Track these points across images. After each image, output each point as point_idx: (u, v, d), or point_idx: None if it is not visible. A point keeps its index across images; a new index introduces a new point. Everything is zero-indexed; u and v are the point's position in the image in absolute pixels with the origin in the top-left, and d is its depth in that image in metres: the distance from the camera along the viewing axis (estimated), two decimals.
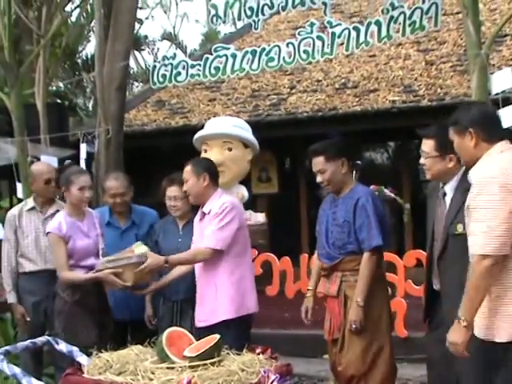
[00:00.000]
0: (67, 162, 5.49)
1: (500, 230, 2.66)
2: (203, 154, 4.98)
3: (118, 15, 6.44)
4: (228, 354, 3.34)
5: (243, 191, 5.26)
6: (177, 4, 21.99)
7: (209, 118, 7.11)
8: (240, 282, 3.96)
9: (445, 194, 3.48)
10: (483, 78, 4.19)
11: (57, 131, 6.72)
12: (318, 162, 3.85)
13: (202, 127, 5.25)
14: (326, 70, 9.08)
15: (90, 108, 14.16)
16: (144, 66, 18.25)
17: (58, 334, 4.19)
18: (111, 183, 4.68)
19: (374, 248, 3.72)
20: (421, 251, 5.21)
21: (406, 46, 9.06)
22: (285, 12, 5.77)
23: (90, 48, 14.25)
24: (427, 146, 3.47)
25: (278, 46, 5.63)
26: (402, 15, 5.09)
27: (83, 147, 6.05)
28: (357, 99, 8.10)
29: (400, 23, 5.12)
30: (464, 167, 3.42)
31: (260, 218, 6.31)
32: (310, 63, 7.63)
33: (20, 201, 5.41)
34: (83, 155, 6.02)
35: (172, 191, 4.41)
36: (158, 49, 19.65)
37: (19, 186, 5.91)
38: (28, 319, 4.60)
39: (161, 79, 5.98)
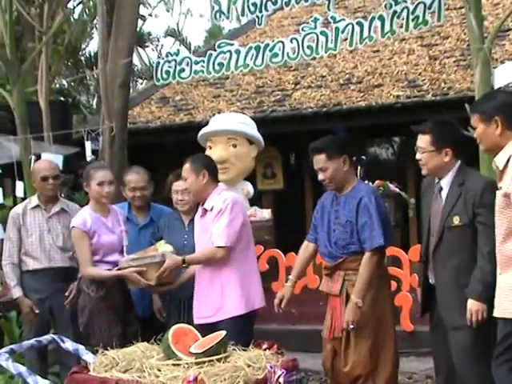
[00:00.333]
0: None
1: None
2: (208, 151, 4.99)
3: (121, 12, 6.43)
4: (234, 350, 3.36)
5: (248, 187, 5.27)
6: (180, 2, 21.98)
7: (213, 115, 7.11)
8: (245, 277, 3.96)
9: (441, 189, 3.51)
10: (486, 73, 4.18)
11: (60, 129, 6.72)
12: (320, 160, 3.80)
13: (206, 124, 5.26)
14: (331, 66, 9.06)
15: (94, 105, 14.17)
16: (148, 63, 18.24)
17: (79, 330, 4.25)
18: (132, 177, 4.71)
19: (376, 248, 3.68)
20: None
21: (409, 40, 9.03)
22: (288, 7, 5.77)
23: (93, 45, 14.27)
24: (423, 141, 3.50)
25: (282, 42, 5.64)
26: (406, 10, 5.09)
27: (88, 145, 6.04)
28: (361, 94, 8.08)
29: (403, 18, 5.12)
30: (459, 162, 3.45)
31: (265, 214, 6.32)
32: (314, 59, 7.62)
33: (23, 199, 5.40)
34: (88, 153, 6.02)
35: (179, 185, 4.41)
36: (162, 45, 19.64)
37: (19, 185, 5.91)
38: (37, 311, 4.57)
39: (164, 76, 5.99)
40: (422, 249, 3.69)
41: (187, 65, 5.91)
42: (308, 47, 5.51)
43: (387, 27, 5.20)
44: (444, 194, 3.49)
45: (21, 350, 3.83)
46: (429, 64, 8.36)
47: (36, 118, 6.52)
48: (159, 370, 3.11)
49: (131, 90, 9.64)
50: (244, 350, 3.35)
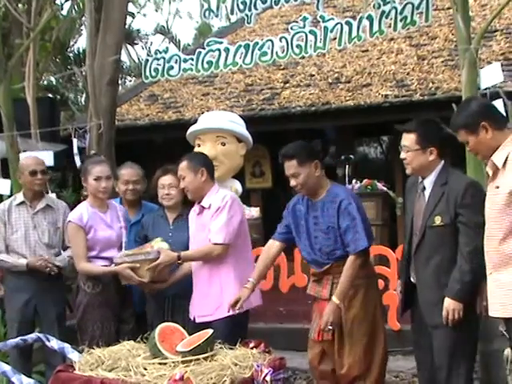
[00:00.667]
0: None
1: None
2: (196, 149, 4.97)
3: (109, 9, 6.40)
4: (221, 348, 3.36)
5: (237, 186, 5.25)
6: (170, 2, 21.92)
7: (202, 113, 7.09)
8: (243, 275, 3.94)
9: (424, 188, 3.52)
10: (473, 73, 4.20)
11: (47, 126, 6.68)
12: (291, 166, 3.74)
13: (195, 122, 5.24)
14: (319, 65, 9.07)
15: (82, 102, 14.08)
16: (137, 60, 18.17)
17: (65, 328, 4.23)
18: (125, 170, 4.74)
19: (360, 251, 3.65)
20: None
21: (398, 40, 9.06)
22: (278, 6, 5.77)
23: (81, 42, 14.16)
24: (408, 140, 3.51)
25: (271, 41, 5.63)
26: (394, 10, 5.11)
27: (75, 142, 6.01)
28: (350, 94, 8.09)
29: (391, 18, 5.13)
30: (442, 162, 3.47)
31: (254, 212, 6.32)
32: (303, 58, 7.64)
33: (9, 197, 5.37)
34: (75, 150, 5.99)
35: (166, 179, 4.40)
36: (151, 43, 19.57)
37: (5, 182, 5.85)
38: (56, 264, 4.52)
39: (153, 73, 5.97)
40: (405, 247, 3.70)
41: (176, 62, 5.89)
42: (297, 46, 5.51)
43: (376, 27, 5.22)
44: (427, 193, 3.50)
45: (5, 348, 3.82)
46: (417, 64, 8.39)
47: (23, 115, 6.47)
48: (145, 369, 3.10)
49: (120, 88, 9.60)
50: (231, 349, 3.35)
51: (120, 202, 4.77)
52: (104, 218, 4.32)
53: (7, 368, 3.37)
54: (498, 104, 4.03)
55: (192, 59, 5.83)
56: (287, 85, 8.81)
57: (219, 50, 5.75)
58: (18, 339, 3.76)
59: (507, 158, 3.04)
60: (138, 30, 18.50)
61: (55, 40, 9.92)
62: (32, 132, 6.31)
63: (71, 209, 4.61)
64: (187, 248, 4.14)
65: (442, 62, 8.25)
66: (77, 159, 5.99)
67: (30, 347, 4.49)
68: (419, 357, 3.69)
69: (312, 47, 5.46)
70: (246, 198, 7.52)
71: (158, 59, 5.94)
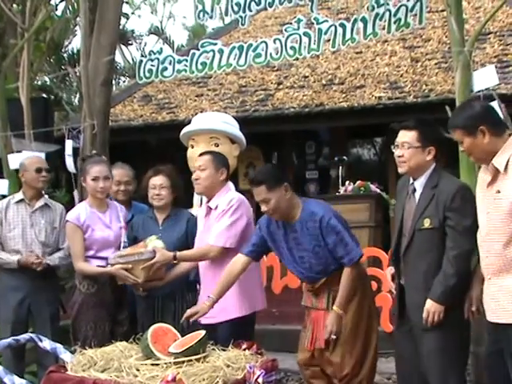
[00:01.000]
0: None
1: None
2: (190, 150, 4.97)
3: (104, 9, 6.40)
4: (213, 349, 3.36)
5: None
6: (164, 4, 21.94)
7: (196, 114, 7.10)
8: (248, 279, 3.92)
9: (414, 190, 3.51)
10: (466, 75, 4.21)
11: (42, 126, 6.67)
12: (261, 192, 3.62)
13: (188, 123, 5.23)
14: (313, 67, 9.09)
15: (76, 103, 14.06)
16: (131, 61, 18.16)
17: (58, 328, 4.24)
18: (116, 171, 4.75)
19: (355, 261, 3.62)
20: None
21: (391, 42, 9.09)
22: (272, 8, 5.77)
23: (75, 42, 14.14)
24: (408, 137, 3.47)
25: (265, 42, 5.64)
26: (388, 12, 5.12)
27: (68, 143, 6.00)
28: (343, 95, 8.12)
29: (385, 20, 5.14)
30: (434, 164, 3.46)
31: None
32: (297, 59, 7.65)
33: (4, 197, 5.37)
34: (68, 151, 5.98)
35: (157, 180, 4.39)
36: (145, 43, 19.57)
37: (3, 182, 5.85)
38: (40, 260, 4.51)
39: (147, 74, 5.97)
40: (393, 249, 3.67)
41: (170, 63, 5.89)
42: (291, 48, 5.52)
43: (370, 29, 5.23)
44: (417, 195, 3.48)
45: None
46: (410, 66, 8.42)
47: (17, 115, 6.47)
48: (138, 370, 3.10)
49: (114, 88, 9.59)
50: (223, 350, 3.36)
51: None
52: (102, 218, 4.33)
53: None
54: (494, 106, 4.05)
55: (186, 60, 5.84)
56: (281, 86, 8.83)
57: (213, 51, 5.75)
58: (10, 339, 3.75)
59: (508, 161, 3.02)
60: (132, 31, 18.50)
61: (49, 40, 9.90)
62: (26, 132, 6.30)
63: (66, 209, 4.64)
64: (176, 248, 4.13)
65: (436, 64, 8.29)
66: (69, 161, 5.97)
67: (23, 347, 4.49)
68: (399, 358, 3.66)
69: (306, 49, 5.47)
70: None
71: (152, 60, 5.94)
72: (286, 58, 5.67)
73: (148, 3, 20.40)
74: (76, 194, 5.93)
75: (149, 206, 4.58)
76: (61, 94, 13.25)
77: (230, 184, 4.22)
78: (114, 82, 10.29)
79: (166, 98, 9.45)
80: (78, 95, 13.75)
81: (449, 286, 3.29)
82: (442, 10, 8.61)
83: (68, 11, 11.10)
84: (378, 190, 7.74)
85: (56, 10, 10.48)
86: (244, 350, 3.38)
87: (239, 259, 3.81)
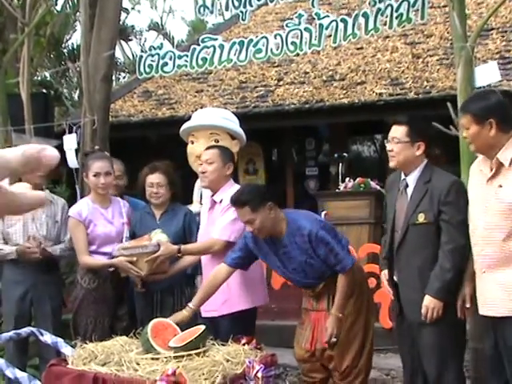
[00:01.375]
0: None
1: None
2: (190, 146, 4.96)
3: (104, 4, 6.38)
4: (213, 344, 3.37)
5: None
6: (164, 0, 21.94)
7: (196, 110, 7.09)
8: (250, 273, 3.93)
9: (407, 186, 3.51)
10: (468, 71, 4.20)
11: (42, 121, 6.66)
12: (245, 213, 3.58)
13: (188, 118, 5.23)
14: (314, 62, 9.07)
15: (76, 98, 14.05)
16: (131, 57, 18.14)
17: (60, 322, 4.32)
18: None
19: (348, 269, 3.61)
20: None
21: (393, 38, 9.07)
22: (273, 3, 5.76)
23: (76, 37, 14.13)
24: (398, 131, 3.50)
25: (266, 38, 5.63)
26: (389, 8, 5.10)
27: (67, 138, 5.99)
28: (344, 91, 8.10)
29: (387, 16, 5.13)
30: (426, 160, 3.47)
31: None
32: (298, 55, 7.64)
33: None
34: (68, 146, 5.96)
35: (155, 178, 4.40)
36: (146, 39, 19.55)
37: None
38: (36, 249, 4.46)
39: (147, 69, 5.96)
40: (386, 245, 3.68)
41: (170, 59, 5.88)
42: (292, 43, 5.51)
43: (371, 25, 5.22)
44: (410, 190, 3.49)
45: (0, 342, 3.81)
46: (412, 62, 8.40)
47: (17, 111, 6.46)
48: (138, 364, 3.11)
49: (114, 84, 9.59)
50: (223, 345, 3.36)
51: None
52: (104, 214, 4.35)
53: (1, 361, 3.38)
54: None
55: (186, 56, 5.83)
56: (281, 82, 8.82)
57: (213, 46, 5.74)
58: (11, 333, 3.77)
59: None
60: (132, 27, 18.49)
61: (50, 35, 9.88)
62: (26, 127, 6.30)
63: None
64: (174, 241, 4.15)
65: (437, 60, 8.27)
66: (70, 156, 5.96)
67: (25, 341, 4.50)
68: (403, 354, 3.70)
69: (307, 44, 5.46)
70: None
71: (152, 55, 5.93)
72: (286, 53, 5.66)
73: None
74: (77, 189, 5.92)
75: (145, 201, 4.58)
76: (61, 90, 13.24)
77: (233, 181, 4.24)
78: (114, 77, 10.28)
79: (166, 93, 9.44)
80: (78, 91, 13.74)
81: (446, 280, 3.29)
82: (444, 6, 8.59)
83: (68, 6, 11.09)
84: (378, 187, 7.72)
85: (56, 4, 10.47)
86: (243, 344, 3.39)
87: (223, 269, 3.75)
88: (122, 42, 18.66)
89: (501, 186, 3.07)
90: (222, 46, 5.72)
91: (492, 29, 8.55)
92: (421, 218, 3.39)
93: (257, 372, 3.10)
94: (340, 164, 7.81)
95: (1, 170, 0.89)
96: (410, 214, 3.44)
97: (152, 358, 3.16)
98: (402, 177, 3.56)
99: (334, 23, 5.35)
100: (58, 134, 6.95)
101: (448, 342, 3.40)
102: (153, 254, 4.02)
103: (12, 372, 3.37)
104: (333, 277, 3.65)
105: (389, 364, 5.32)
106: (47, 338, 3.66)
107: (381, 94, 7.76)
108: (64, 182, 7.73)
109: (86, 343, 3.39)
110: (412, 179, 3.49)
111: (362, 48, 9.04)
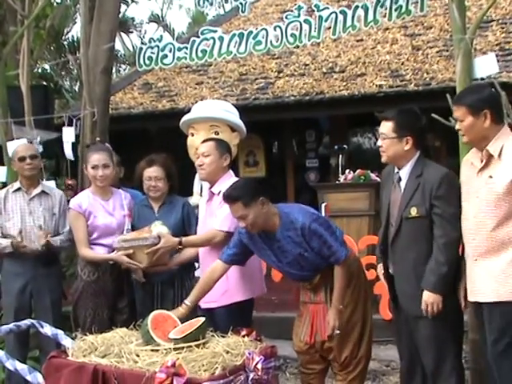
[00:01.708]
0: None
1: None
2: (190, 138, 4.97)
3: None
4: (213, 336, 3.38)
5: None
6: None
7: (196, 102, 7.09)
8: (248, 264, 3.92)
9: (400, 179, 3.53)
10: (467, 63, 4.19)
11: (42, 113, 6.67)
12: (237, 209, 3.57)
13: (189, 111, 5.22)
14: (314, 54, 9.06)
15: (76, 90, 14.05)
16: (131, 49, 18.13)
17: (60, 315, 4.36)
18: None
19: (343, 260, 3.61)
20: None
21: (393, 30, 9.06)
22: None
23: (76, 30, 14.11)
24: (385, 127, 3.51)
25: (266, 30, 5.61)
26: (389, 0, 5.09)
27: (68, 130, 5.99)
28: (344, 83, 8.10)
29: (386, 7, 5.12)
30: (418, 153, 3.48)
31: None
32: (298, 47, 7.64)
33: (4, 184, 5.38)
34: (67, 138, 5.97)
35: (153, 171, 4.40)
36: (146, 31, 19.54)
37: (1, 169, 5.85)
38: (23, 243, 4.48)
39: (147, 61, 5.95)
40: (380, 238, 3.69)
41: (170, 51, 5.87)
42: (291, 35, 5.49)
43: (370, 16, 5.20)
44: (403, 184, 3.50)
45: (0, 334, 3.83)
46: (412, 54, 8.40)
47: (17, 103, 6.46)
48: (138, 356, 3.12)
49: (114, 76, 9.59)
50: (223, 337, 3.37)
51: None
52: (105, 206, 4.37)
53: (1, 353, 3.40)
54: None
55: (186, 48, 5.81)
56: (281, 74, 8.82)
57: (213, 38, 5.72)
58: (11, 325, 3.79)
59: (502, 148, 3.14)
60: (132, 19, 18.48)
61: (50, 28, 9.87)
62: (26, 120, 6.30)
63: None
64: (174, 233, 4.15)
65: (437, 52, 8.26)
66: (67, 148, 5.96)
67: (26, 333, 4.52)
68: (400, 346, 3.72)
69: (306, 36, 5.44)
70: None
71: (151, 47, 5.92)
72: (286, 45, 5.63)
73: None
74: (70, 181, 5.94)
75: (142, 193, 4.59)
76: (61, 82, 13.24)
77: (232, 173, 4.24)
78: (114, 69, 10.27)
79: (166, 85, 9.44)
80: (78, 83, 13.74)
81: (441, 274, 3.32)
82: None
83: None
84: (378, 179, 7.72)
85: None
86: (243, 336, 3.40)
87: (219, 266, 3.76)
88: (123, 34, 18.67)
89: (491, 177, 3.15)
90: (221, 38, 5.71)
91: (492, 20, 8.55)
92: (413, 211, 3.40)
93: (256, 363, 3.11)
94: (340, 156, 7.81)
95: None
96: (403, 208, 3.45)
97: (152, 350, 3.17)
98: (396, 170, 3.57)
99: (333, 15, 5.33)
100: (57, 127, 6.96)
101: (445, 334, 3.41)
102: (153, 246, 4.03)
103: (12, 364, 3.38)
104: (329, 268, 3.66)
105: (389, 355, 5.34)
106: (47, 329, 3.68)
107: (381, 86, 7.76)
108: (64, 174, 7.74)
109: (86, 335, 3.40)
110: (404, 173, 3.50)
111: (361, 40, 9.04)
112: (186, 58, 5.84)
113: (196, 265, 4.42)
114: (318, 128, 9.69)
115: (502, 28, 8.42)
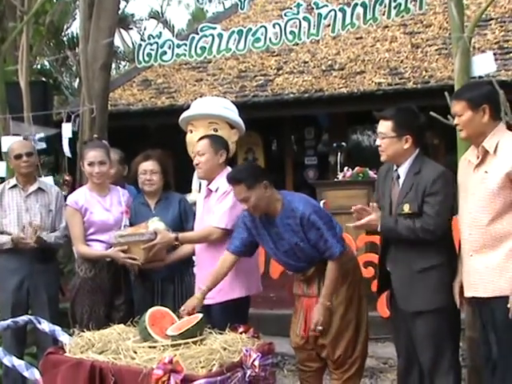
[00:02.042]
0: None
1: None
2: (189, 135, 4.97)
3: None
4: (210, 333, 3.38)
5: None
6: None
7: (195, 99, 7.08)
8: (245, 261, 3.94)
9: (398, 177, 3.53)
10: (466, 61, 4.19)
11: (41, 110, 6.65)
12: (240, 191, 3.63)
13: (188, 107, 5.23)
14: (313, 52, 9.06)
15: (76, 87, 14.04)
16: (131, 45, 18.10)
17: (57, 311, 4.37)
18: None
19: (337, 257, 3.62)
20: None
21: (392, 28, 9.06)
22: None
23: (75, 26, 14.09)
24: (384, 126, 3.51)
25: (265, 27, 5.62)
26: None
27: (66, 126, 5.99)
28: (343, 81, 8.10)
29: (385, 5, 5.12)
30: (417, 150, 3.48)
31: None
32: (297, 44, 7.63)
33: (3, 179, 5.38)
34: (65, 134, 5.97)
35: (148, 165, 4.40)
36: (145, 28, 19.51)
37: (1, 165, 5.85)
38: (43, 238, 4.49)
39: (146, 58, 5.95)
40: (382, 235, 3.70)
41: (169, 48, 5.87)
42: (290, 33, 5.51)
43: (369, 14, 5.21)
44: (401, 181, 3.51)
45: None
46: (411, 52, 8.40)
47: (16, 99, 6.45)
48: (135, 352, 3.12)
49: (114, 72, 9.59)
50: (220, 334, 3.38)
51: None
52: (102, 202, 4.37)
53: None
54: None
55: (185, 45, 5.82)
56: (280, 71, 8.82)
57: (212, 35, 5.73)
58: (9, 321, 3.78)
59: (497, 145, 3.17)
60: (132, 15, 18.44)
61: (49, 24, 9.85)
62: (25, 116, 6.29)
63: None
64: (172, 229, 4.16)
65: (436, 50, 8.27)
66: (65, 144, 5.95)
67: (23, 330, 4.52)
68: (397, 343, 3.72)
69: (305, 34, 5.45)
70: None
71: (151, 44, 5.92)
72: (285, 42, 5.65)
73: None
74: (68, 177, 5.94)
75: (138, 190, 4.59)
76: (60, 79, 13.22)
77: (230, 169, 4.24)
78: (113, 66, 10.25)
79: (165, 82, 9.43)
80: (77, 79, 13.73)
81: (392, 226, 3.39)
82: None
83: None
84: (377, 177, 7.73)
85: None
86: (241, 333, 3.40)
87: (227, 257, 3.81)
88: (122, 31, 18.63)
89: (486, 172, 3.18)
90: (220, 35, 5.71)
91: (491, 19, 8.55)
92: (406, 208, 3.42)
93: (254, 360, 3.11)
94: (339, 153, 7.82)
95: None
96: (398, 204, 3.47)
97: (149, 347, 3.18)
98: (394, 167, 3.57)
99: (332, 12, 5.34)
100: (56, 123, 6.96)
101: (442, 331, 3.42)
102: (149, 242, 4.04)
103: (9, 360, 3.39)
104: (324, 262, 3.67)
105: (386, 353, 5.34)
106: (45, 326, 3.68)
107: (380, 84, 7.76)
108: (63, 170, 7.74)
109: (83, 332, 3.40)
110: (403, 171, 3.51)
111: (361, 38, 9.04)
112: (185, 55, 5.85)
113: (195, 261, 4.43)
114: (317, 125, 9.70)
115: (501, 26, 8.42)
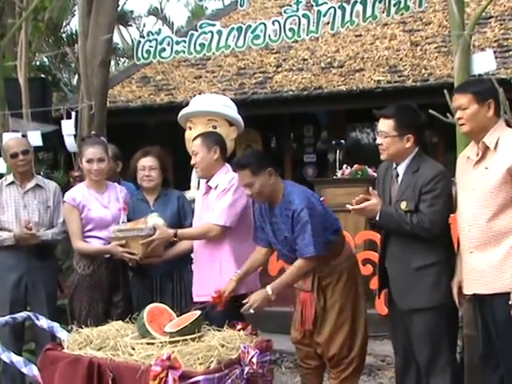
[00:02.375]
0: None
1: None
2: (188, 132, 4.97)
3: None
4: (209, 330, 3.38)
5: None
6: None
7: (194, 96, 7.08)
8: (243, 259, 3.94)
9: (397, 175, 3.54)
10: (465, 59, 4.19)
11: (39, 106, 6.65)
12: (245, 176, 3.65)
13: (187, 104, 5.23)
14: (312, 49, 9.06)
15: (75, 83, 14.02)
16: (130, 42, 18.08)
17: (55, 308, 4.39)
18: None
19: (307, 257, 3.59)
20: None
21: (391, 26, 9.06)
22: None
23: (74, 22, 14.07)
24: (386, 125, 3.49)
25: (264, 24, 5.61)
26: None
27: (65, 123, 5.98)
28: (342, 79, 8.11)
29: (385, 3, 5.11)
30: (417, 149, 3.48)
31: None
32: (296, 42, 7.63)
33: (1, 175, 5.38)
34: (66, 131, 5.96)
35: (147, 161, 4.40)
36: (144, 24, 19.49)
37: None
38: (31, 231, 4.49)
39: (145, 55, 5.94)
40: (383, 233, 3.69)
41: (168, 45, 5.86)
42: (290, 30, 5.49)
43: (369, 12, 5.19)
44: (399, 179, 3.52)
45: None
46: (410, 50, 8.40)
47: (15, 95, 6.45)
48: (133, 349, 3.12)
49: (113, 69, 9.58)
50: (218, 331, 3.38)
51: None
52: (99, 199, 4.36)
53: None
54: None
55: (184, 41, 5.80)
56: (280, 69, 8.81)
57: (212, 32, 5.72)
58: (7, 317, 3.78)
59: (498, 141, 3.17)
60: (131, 12, 18.41)
61: (48, 20, 9.84)
62: (23, 112, 6.29)
63: (63, 190, 4.65)
64: (171, 225, 4.16)
65: (436, 48, 8.27)
66: (69, 141, 5.95)
67: (21, 326, 4.52)
68: (395, 341, 3.72)
69: (305, 31, 5.44)
70: None
71: (150, 41, 5.91)
72: (284, 40, 5.63)
73: None
74: (76, 173, 5.92)
75: (137, 186, 4.58)
76: (59, 75, 13.21)
77: (228, 166, 4.23)
78: (112, 62, 10.24)
79: (164, 79, 9.43)
80: (76, 76, 13.71)
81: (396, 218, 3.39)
82: None
83: None
84: (375, 174, 7.72)
85: None
86: (239, 330, 3.40)
87: (259, 250, 3.90)
88: (121, 27, 18.61)
89: (487, 169, 3.17)
90: (219, 32, 5.70)
91: (490, 17, 8.55)
92: (403, 205, 3.42)
93: (252, 357, 3.12)
94: (338, 151, 7.82)
95: None
96: (395, 202, 3.47)
97: (147, 343, 3.18)
98: (394, 166, 3.57)
99: (332, 10, 5.32)
100: (55, 119, 6.96)
101: (439, 329, 3.42)
102: (148, 238, 4.03)
103: (8, 356, 3.39)
104: (319, 257, 3.64)
105: (385, 350, 5.35)
106: (43, 322, 3.68)
107: (379, 82, 7.77)
108: (62, 167, 7.74)
109: (81, 328, 3.41)
110: (402, 169, 3.51)
111: (360, 35, 9.03)
112: (184, 52, 5.84)
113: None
114: (316, 123, 9.70)
115: (501, 24, 8.42)
